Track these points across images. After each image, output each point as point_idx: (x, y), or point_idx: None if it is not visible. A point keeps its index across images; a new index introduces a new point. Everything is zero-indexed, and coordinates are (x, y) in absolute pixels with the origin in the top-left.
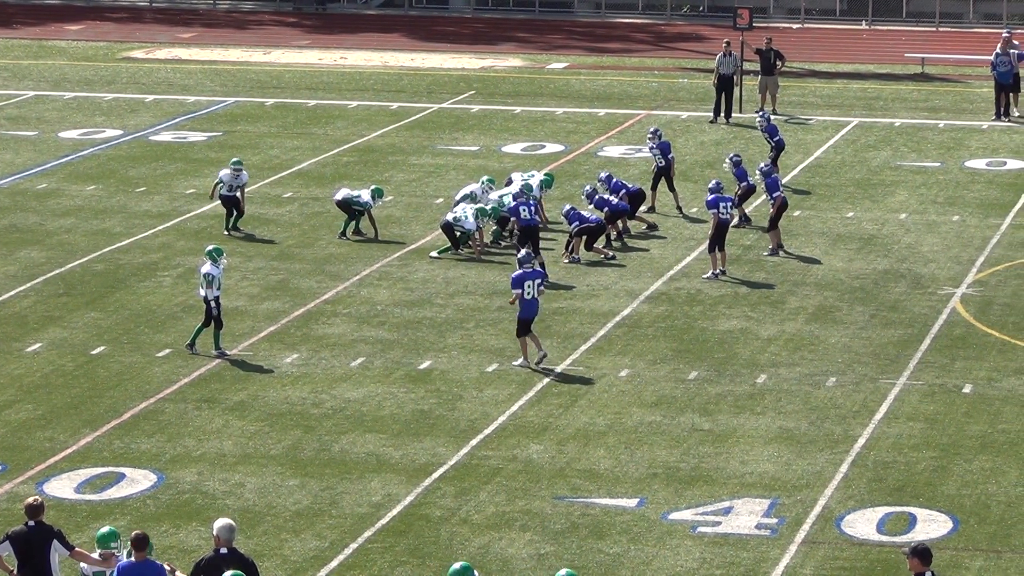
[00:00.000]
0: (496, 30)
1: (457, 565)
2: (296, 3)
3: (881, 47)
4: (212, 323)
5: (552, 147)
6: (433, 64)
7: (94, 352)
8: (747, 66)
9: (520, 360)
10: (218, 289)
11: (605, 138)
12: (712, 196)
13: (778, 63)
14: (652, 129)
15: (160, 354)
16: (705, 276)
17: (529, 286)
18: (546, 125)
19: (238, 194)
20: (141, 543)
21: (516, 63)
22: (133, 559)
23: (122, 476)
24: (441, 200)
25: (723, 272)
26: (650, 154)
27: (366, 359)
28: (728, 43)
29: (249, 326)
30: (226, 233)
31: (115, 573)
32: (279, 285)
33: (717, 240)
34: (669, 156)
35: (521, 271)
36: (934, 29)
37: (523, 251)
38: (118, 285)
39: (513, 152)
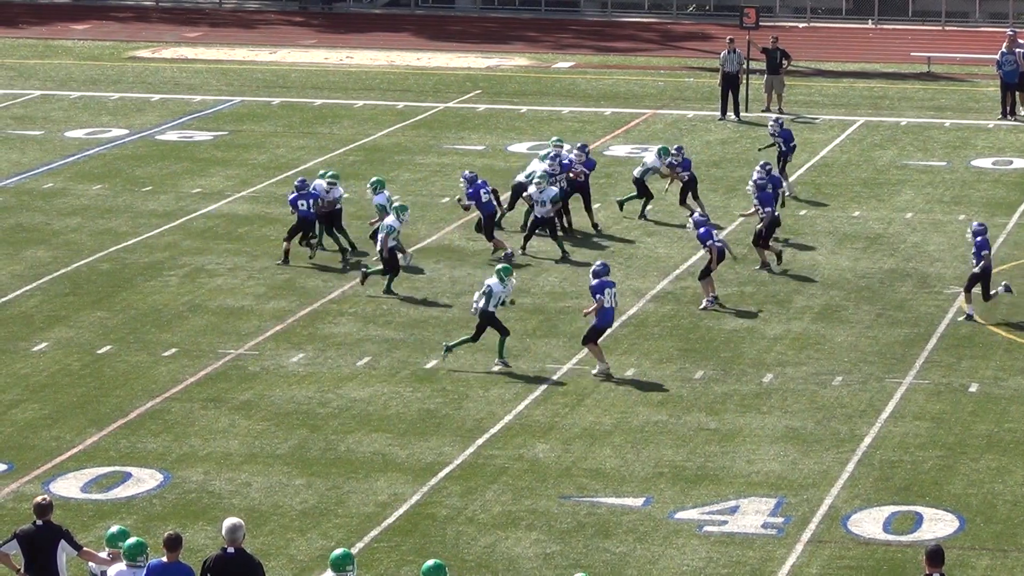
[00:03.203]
0: (502, 29)
1: (430, 562)
2: (302, 2)
3: (887, 46)
4: (477, 334)
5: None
6: (439, 63)
7: (100, 351)
8: (753, 65)
9: (599, 366)
10: (495, 305)
11: (611, 137)
12: (703, 229)
13: (784, 62)
14: (676, 147)
15: (166, 353)
16: (701, 307)
17: (608, 294)
18: (552, 124)
19: None
20: (174, 544)
21: (522, 62)
22: (164, 559)
23: (128, 475)
24: (447, 199)
25: (716, 299)
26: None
27: (372, 358)
28: (732, 40)
29: (255, 325)
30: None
31: (145, 571)
32: (285, 284)
33: (711, 269)
34: (691, 171)
35: (599, 280)
36: (940, 28)
37: (599, 263)
38: (124, 284)
39: (519, 151)
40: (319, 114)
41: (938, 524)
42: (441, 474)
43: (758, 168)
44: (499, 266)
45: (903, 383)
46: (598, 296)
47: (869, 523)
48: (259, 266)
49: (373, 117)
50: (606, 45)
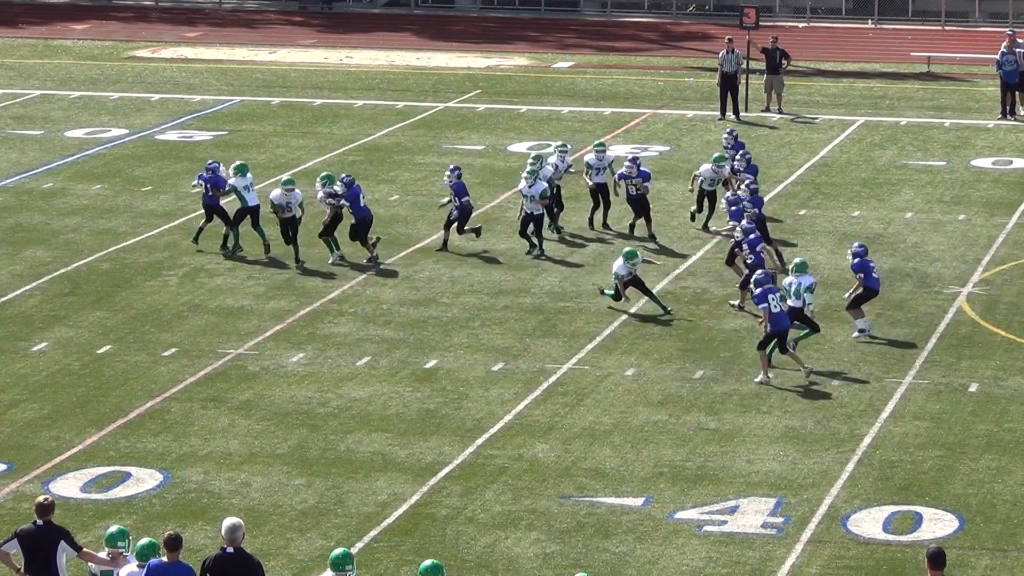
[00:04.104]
0: (502, 29)
1: (427, 562)
2: (302, 2)
3: (887, 46)
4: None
5: (555, 146)
6: (439, 63)
7: (100, 351)
8: (753, 65)
9: (762, 376)
10: (808, 302)
11: (611, 137)
12: (753, 236)
13: (784, 62)
14: (741, 152)
15: (166, 353)
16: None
17: (773, 300)
18: (552, 124)
19: None
20: (174, 544)
21: (522, 62)
22: (165, 559)
23: (128, 475)
24: (447, 199)
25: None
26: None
27: (372, 358)
28: (730, 40)
29: (255, 325)
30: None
31: (146, 571)
32: (285, 284)
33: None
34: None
35: (761, 289)
36: (940, 28)
37: (760, 272)
38: (124, 284)
39: (519, 151)
40: (319, 114)
41: (938, 524)
42: (441, 474)
43: (744, 187)
44: (797, 260)
45: (903, 383)
46: (763, 305)
47: (869, 523)
48: (259, 266)
49: (373, 117)
50: (606, 45)
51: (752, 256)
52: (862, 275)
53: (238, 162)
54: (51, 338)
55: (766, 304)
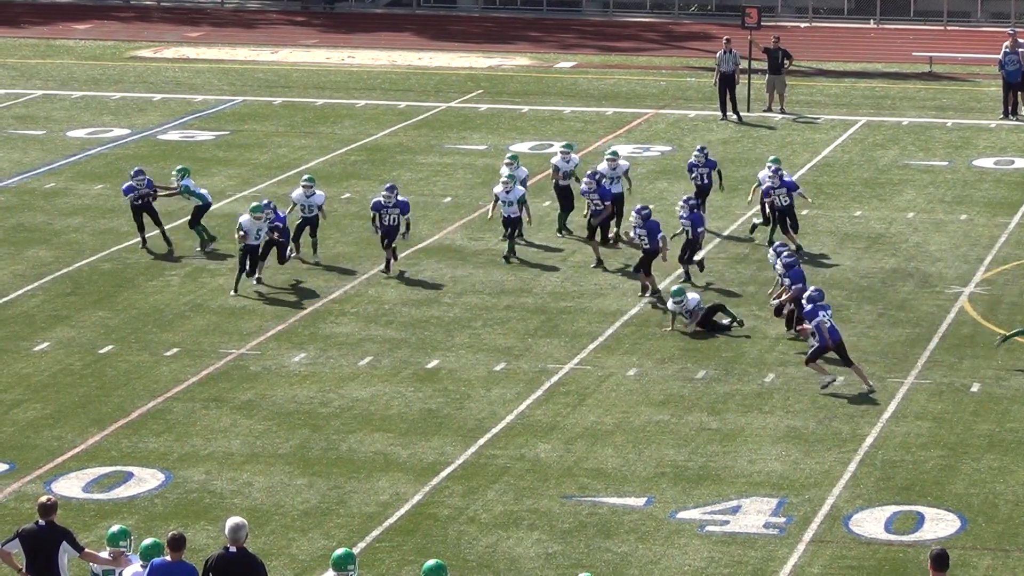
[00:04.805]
0: (504, 29)
1: (431, 562)
2: (304, 2)
3: (889, 46)
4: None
5: (560, 146)
6: (441, 63)
7: (102, 351)
8: (755, 65)
9: (823, 378)
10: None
11: (613, 137)
12: (795, 269)
13: (786, 62)
14: (771, 162)
15: (168, 353)
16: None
17: (825, 315)
18: (554, 124)
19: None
20: (177, 543)
21: (524, 62)
22: (168, 558)
23: (130, 475)
24: (449, 199)
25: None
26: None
27: (374, 358)
28: (728, 40)
29: (257, 325)
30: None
31: (149, 570)
32: (287, 284)
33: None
34: (795, 191)
35: (812, 306)
36: (942, 28)
37: (814, 288)
38: (126, 284)
39: (521, 151)
40: (321, 114)
41: (940, 524)
42: (443, 474)
43: (682, 203)
44: None
45: (905, 383)
46: (814, 321)
47: (871, 523)
48: (261, 265)
49: (375, 117)
50: (608, 45)
51: (792, 287)
52: (800, 285)
53: (180, 166)
54: (53, 338)
55: (817, 320)
